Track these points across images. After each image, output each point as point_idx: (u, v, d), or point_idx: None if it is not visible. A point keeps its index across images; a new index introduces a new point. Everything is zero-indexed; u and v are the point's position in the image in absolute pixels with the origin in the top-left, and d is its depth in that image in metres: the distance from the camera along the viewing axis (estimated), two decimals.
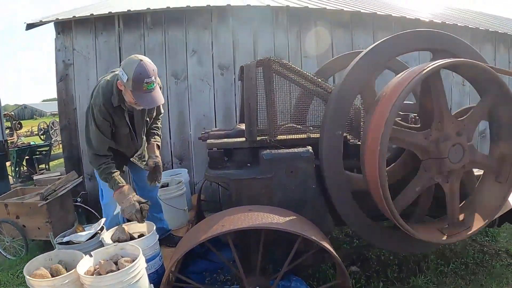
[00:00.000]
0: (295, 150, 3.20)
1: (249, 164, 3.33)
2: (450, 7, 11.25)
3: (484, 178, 3.29)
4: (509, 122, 3.06)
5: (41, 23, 5.89)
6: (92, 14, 5.82)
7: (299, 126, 3.52)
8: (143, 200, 3.27)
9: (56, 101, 6.48)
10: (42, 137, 15.61)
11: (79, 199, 5.67)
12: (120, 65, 3.11)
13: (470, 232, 3.02)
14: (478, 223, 3.06)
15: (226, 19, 6.19)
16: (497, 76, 2.87)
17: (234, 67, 6.20)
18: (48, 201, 4.69)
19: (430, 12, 8.42)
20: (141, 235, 3.14)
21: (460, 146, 2.92)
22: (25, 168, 9.94)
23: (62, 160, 7.16)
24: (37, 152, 10.34)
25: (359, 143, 3.25)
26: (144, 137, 3.70)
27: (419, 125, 3.34)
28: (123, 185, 3.23)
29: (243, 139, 3.41)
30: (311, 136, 3.42)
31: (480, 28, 7.28)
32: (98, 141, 3.21)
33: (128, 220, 3.34)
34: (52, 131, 14.88)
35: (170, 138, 6.24)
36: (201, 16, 6.13)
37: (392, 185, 2.80)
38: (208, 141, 3.50)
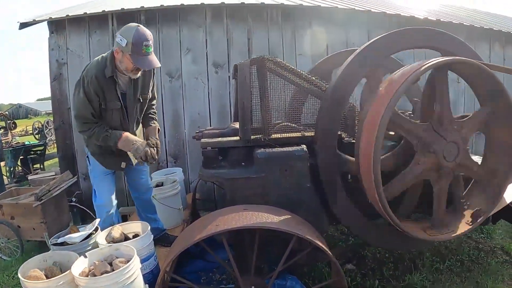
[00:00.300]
0: (290, 149, 3.19)
1: (243, 163, 3.32)
2: (445, 4, 11.25)
3: (473, 185, 3.32)
4: (503, 139, 3.10)
5: (34, 22, 5.84)
6: (85, 13, 5.78)
7: (294, 125, 3.50)
8: (150, 143, 3.44)
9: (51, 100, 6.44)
10: (36, 136, 15.56)
11: (74, 199, 5.65)
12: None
13: (454, 234, 3.03)
14: (462, 227, 3.07)
15: (221, 17, 6.16)
16: (498, 81, 2.89)
17: (228, 65, 6.18)
18: (42, 201, 4.68)
19: (425, 10, 8.42)
20: (135, 235, 3.14)
21: (455, 145, 2.92)
22: (19, 168, 9.89)
23: (57, 159, 7.12)
24: (32, 152, 10.28)
25: (354, 141, 3.25)
26: (140, 125, 3.71)
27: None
28: (123, 133, 3.31)
29: (237, 138, 3.40)
30: (306, 135, 3.41)
31: (475, 25, 7.29)
32: (87, 110, 3.24)
33: (124, 220, 3.34)
34: (47, 130, 14.84)
35: (165, 137, 6.21)
36: (195, 14, 6.10)
37: (382, 174, 2.78)
38: (202, 140, 3.49)
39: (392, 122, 2.74)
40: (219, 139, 3.49)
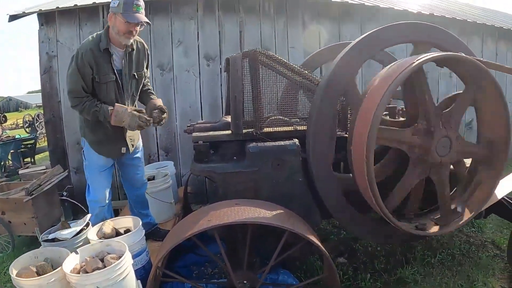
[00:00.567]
0: (282, 143, 3.18)
1: (235, 158, 3.30)
2: None
3: (474, 166, 3.32)
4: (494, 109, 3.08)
5: (24, 15, 5.77)
6: (76, 5, 5.70)
7: (286, 119, 3.49)
8: (138, 109, 3.42)
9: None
10: (27, 130, 15.40)
11: (65, 193, 5.61)
12: None
13: (462, 221, 3.06)
14: (468, 212, 3.10)
15: (212, 9, 6.12)
16: (489, 74, 2.88)
17: (220, 58, 6.14)
18: (33, 196, 4.63)
19: (418, 3, 8.42)
20: (127, 231, 3.12)
21: (447, 139, 2.93)
22: (10, 162, 9.81)
23: (48, 153, 7.06)
24: (22, 146, 10.19)
25: (346, 135, 3.24)
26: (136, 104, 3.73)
27: (404, 119, 3.34)
28: (114, 107, 3.31)
29: (229, 132, 3.38)
30: (298, 129, 3.40)
31: (468, 20, 7.30)
32: (78, 83, 3.28)
33: (116, 214, 3.33)
34: (38, 123, 14.67)
35: (156, 130, 6.17)
36: (187, 6, 6.05)
37: (382, 181, 2.80)
38: (194, 134, 3.46)
39: (379, 138, 2.74)
40: (211, 133, 3.47)
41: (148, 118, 3.38)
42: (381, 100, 2.60)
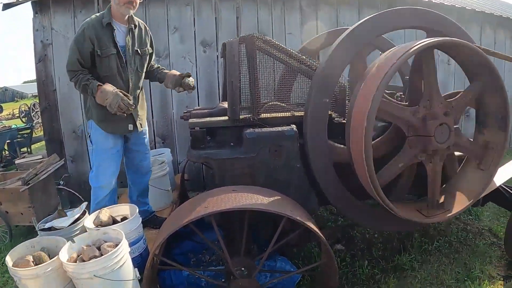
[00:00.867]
0: (279, 128, 3.16)
1: (232, 144, 3.27)
2: None
3: (466, 163, 3.30)
4: (495, 110, 3.05)
5: (18, 3, 5.69)
6: None
7: (283, 104, 3.45)
8: (125, 93, 3.36)
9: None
10: (23, 119, 15.35)
11: (61, 182, 5.59)
12: None
13: (450, 214, 3.03)
14: (457, 206, 3.06)
15: None
16: (488, 60, 2.84)
17: (217, 44, 6.08)
18: (30, 185, 4.60)
19: None
20: (124, 218, 3.10)
21: (446, 126, 2.89)
22: (6, 152, 9.77)
23: (44, 142, 7.03)
24: (19, 135, 10.15)
25: (344, 121, 3.21)
26: (142, 92, 3.80)
27: (406, 103, 3.31)
28: (102, 85, 3.29)
29: (226, 118, 3.34)
30: (295, 114, 3.36)
31: (466, 7, 7.23)
32: (74, 55, 3.31)
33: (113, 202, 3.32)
34: (34, 113, 14.64)
35: (153, 117, 6.12)
36: None
37: (375, 160, 2.76)
38: (190, 120, 3.42)
39: (379, 110, 2.69)
40: (207, 119, 3.44)
41: (130, 104, 3.30)
42: (383, 78, 2.57)
